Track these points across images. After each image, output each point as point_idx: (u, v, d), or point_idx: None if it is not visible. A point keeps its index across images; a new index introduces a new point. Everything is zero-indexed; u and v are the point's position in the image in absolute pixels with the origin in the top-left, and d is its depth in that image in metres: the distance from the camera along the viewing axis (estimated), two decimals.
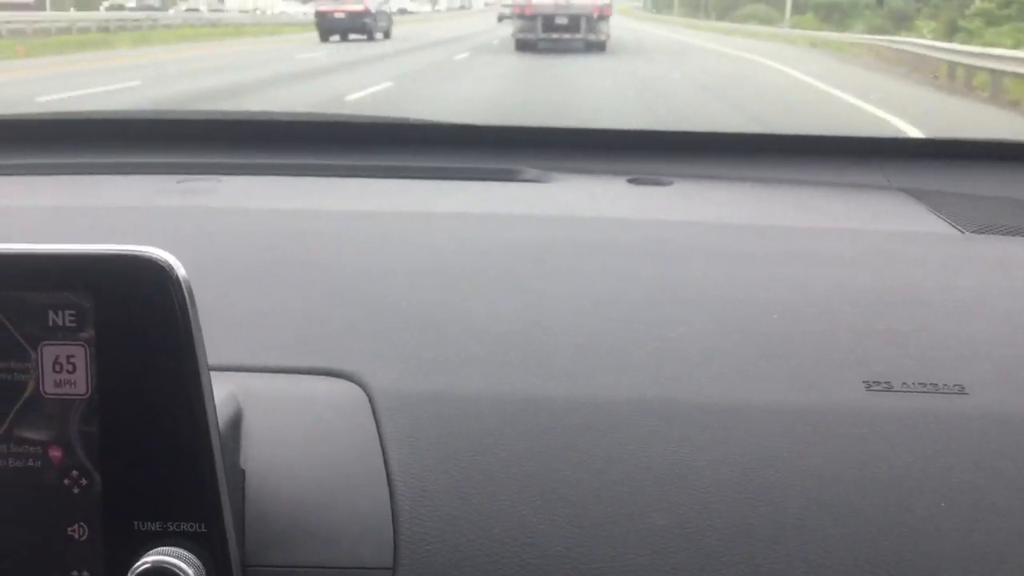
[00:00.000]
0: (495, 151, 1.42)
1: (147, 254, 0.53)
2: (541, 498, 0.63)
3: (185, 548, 0.55)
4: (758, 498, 0.63)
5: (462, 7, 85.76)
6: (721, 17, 51.78)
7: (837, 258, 1.00)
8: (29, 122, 1.55)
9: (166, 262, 0.53)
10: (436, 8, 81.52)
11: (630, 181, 1.32)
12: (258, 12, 54.99)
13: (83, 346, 0.54)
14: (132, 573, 0.54)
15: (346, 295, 0.87)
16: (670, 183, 1.31)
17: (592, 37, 20.76)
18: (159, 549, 0.54)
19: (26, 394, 0.55)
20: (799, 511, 0.62)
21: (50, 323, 0.54)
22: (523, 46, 20.91)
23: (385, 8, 26.82)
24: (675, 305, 0.86)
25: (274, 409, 0.68)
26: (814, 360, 0.76)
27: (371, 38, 24.60)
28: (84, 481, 0.55)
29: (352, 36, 24.49)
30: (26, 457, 0.55)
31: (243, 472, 0.62)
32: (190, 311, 0.54)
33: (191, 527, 0.55)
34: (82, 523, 0.55)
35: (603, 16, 20.86)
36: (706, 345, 0.77)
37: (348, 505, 0.63)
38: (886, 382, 0.72)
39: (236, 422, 0.64)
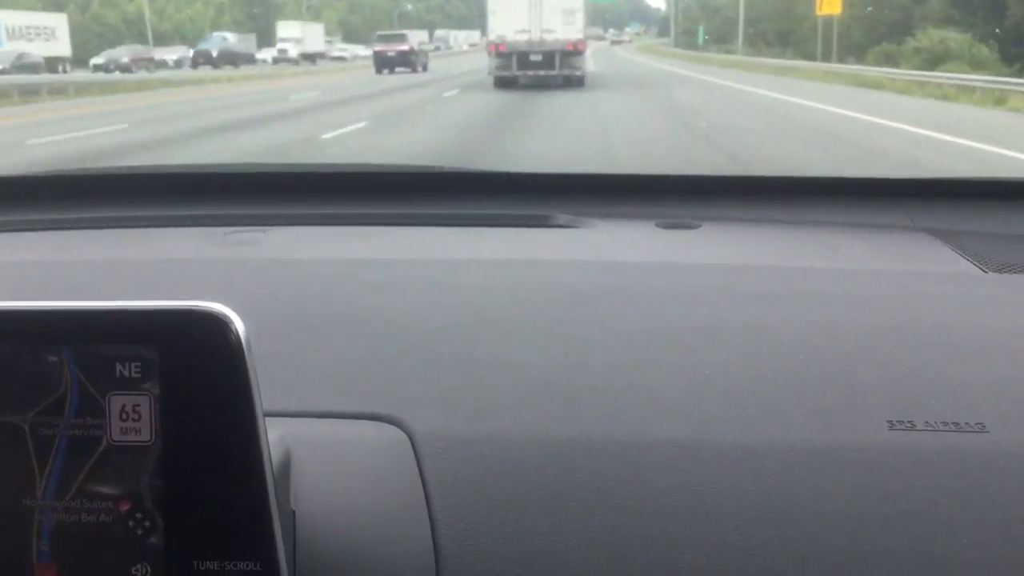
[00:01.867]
0: (526, 197, 1.46)
1: (209, 309, 0.57)
2: (578, 536, 0.65)
3: None
4: (787, 534, 0.65)
5: (437, 48, 76.95)
6: (841, 58, 30.41)
7: (861, 299, 1.03)
8: (81, 178, 1.62)
9: (227, 316, 0.57)
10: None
11: (659, 225, 1.35)
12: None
13: (147, 396, 0.57)
14: None
15: (387, 342, 0.91)
16: (698, 226, 1.34)
17: (567, 73, 21.54)
18: None
19: (100, 448, 0.58)
20: (826, 548, 0.64)
21: (117, 375, 0.58)
22: (502, 83, 21.72)
23: (424, 48, 36.86)
24: (704, 347, 0.89)
25: (321, 452, 0.72)
26: (839, 400, 0.78)
27: (414, 70, 32.66)
28: (147, 523, 0.58)
29: (398, 69, 32.77)
30: (97, 509, 0.58)
31: (293, 513, 0.65)
32: (248, 362, 0.57)
33: (247, 566, 0.58)
34: (145, 563, 0.58)
35: (577, 52, 21.60)
36: (735, 387, 0.80)
37: (393, 544, 0.66)
38: (909, 421, 0.74)
39: (286, 465, 0.67)
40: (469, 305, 1.00)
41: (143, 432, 0.58)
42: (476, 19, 24.75)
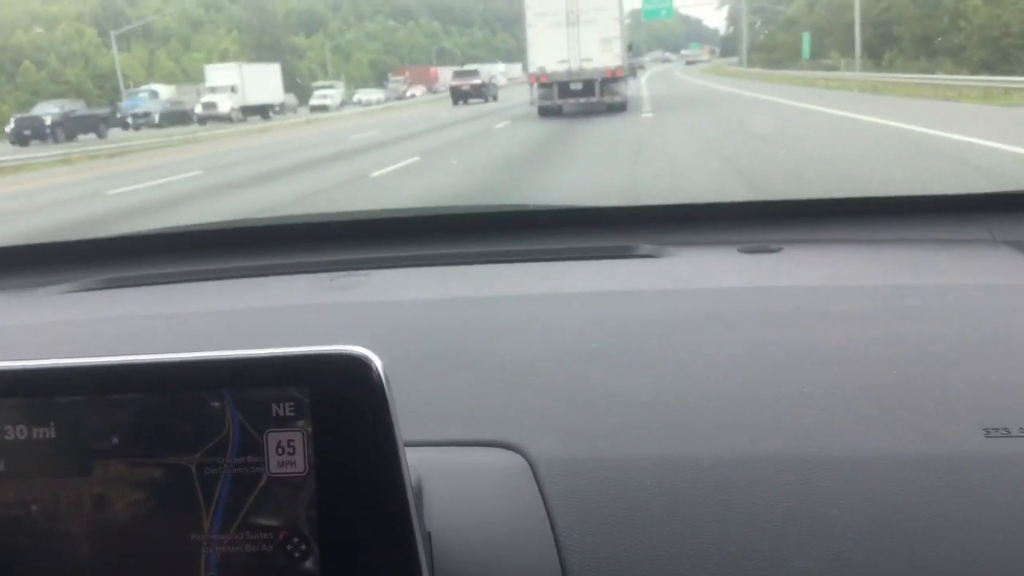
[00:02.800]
0: (609, 230, 1.51)
1: (353, 352, 0.63)
2: (694, 549, 0.69)
3: None
4: (891, 542, 0.68)
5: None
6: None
7: (946, 312, 1.05)
8: (182, 234, 1.71)
9: (368, 358, 0.63)
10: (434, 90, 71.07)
11: (741, 250, 1.38)
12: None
13: (301, 432, 0.63)
14: None
15: (499, 373, 0.96)
16: (779, 249, 1.37)
17: (607, 99, 21.86)
18: None
19: (261, 483, 0.64)
20: (929, 554, 0.67)
21: (273, 414, 0.64)
22: (545, 112, 22.28)
23: (494, 81, 39.95)
24: (798, 366, 0.92)
25: (448, 478, 0.77)
26: (933, 411, 0.81)
27: (486, 101, 37.29)
28: (304, 546, 0.63)
29: (472, 100, 37.68)
30: (259, 540, 0.64)
31: (429, 535, 0.70)
32: (389, 399, 0.63)
33: None
34: None
35: (616, 78, 21.87)
36: (831, 402, 0.83)
37: (521, 562, 0.70)
38: (1004, 428, 0.77)
39: (419, 491, 0.72)
40: (570, 336, 1.05)
41: (298, 464, 0.63)
42: (522, 52, 24.43)
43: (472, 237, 1.54)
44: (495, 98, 35.93)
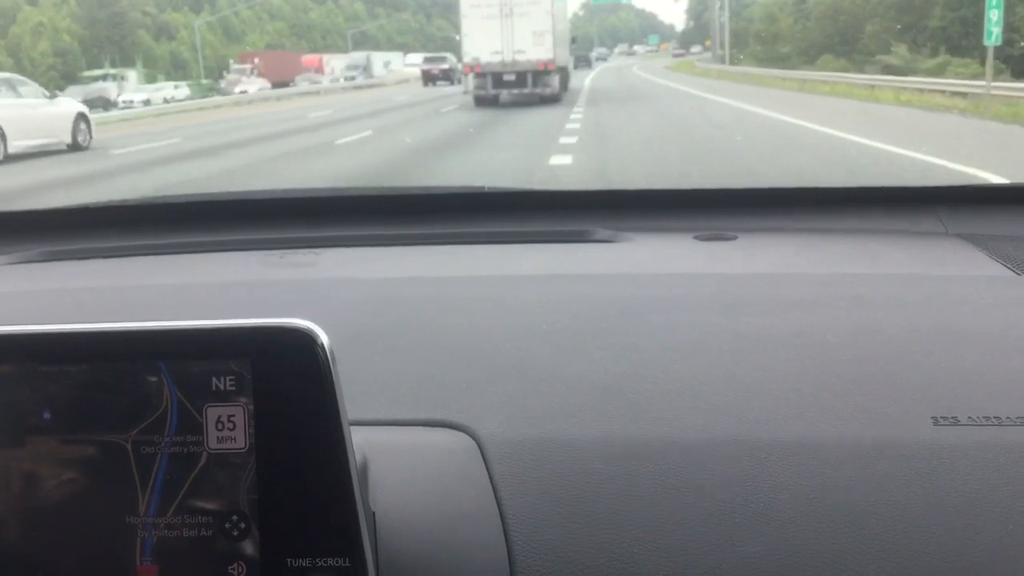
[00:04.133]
0: (565, 214, 1.50)
1: (297, 325, 0.61)
2: (641, 530, 0.69)
3: None
4: (839, 527, 0.68)
5: (352, 78, 53.89)
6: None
7: (899, 302, 1.06)
8: (131, 208, 1.68)
9: (313, 331, 0.61)
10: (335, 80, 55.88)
11: (696, 237, 1.39)
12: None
13: (242, 408, 0.61)
14: None
15: (449, 354, 0.95)
16: (734, 237, 1.38)
17: (539, 91, 22.82)
18: None
19: (200, 464, 0.62)
20: (876, 539, 0.67)
21: (213, 388, 0.62)
22: (481, 102, 23.15)
23: (457, 66, 37.38)
24: (752, 352, 0.92)
25: (394, 458, 0.76)
26: (884, 398, 0.81)
27: (452, 83, 39.25)
28: (243, 524, 0.62)
29: (439, 83, 42.22)
30: (198, 524, 0.62)
31: (374, 514, 0.69)
32: (335, 374, 0.61)
33: (337, 562, 0.61)
34: (240, 562, 0.61)
35: (547, 71, 22.78)
36: (783, 387, 0.83)
37: (467, 541, 0.70)
38: (953, 417, 0.77)
39: (364, 470, 0.71)
40: (523, 318, 1.05)
41: (238, 440, 0.62)
42: (458, 42, 24.16)
43: (426, 218, 1.52)
44: (460, 82, 37.66)
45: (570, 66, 31.07)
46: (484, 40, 22.76)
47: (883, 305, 1.05)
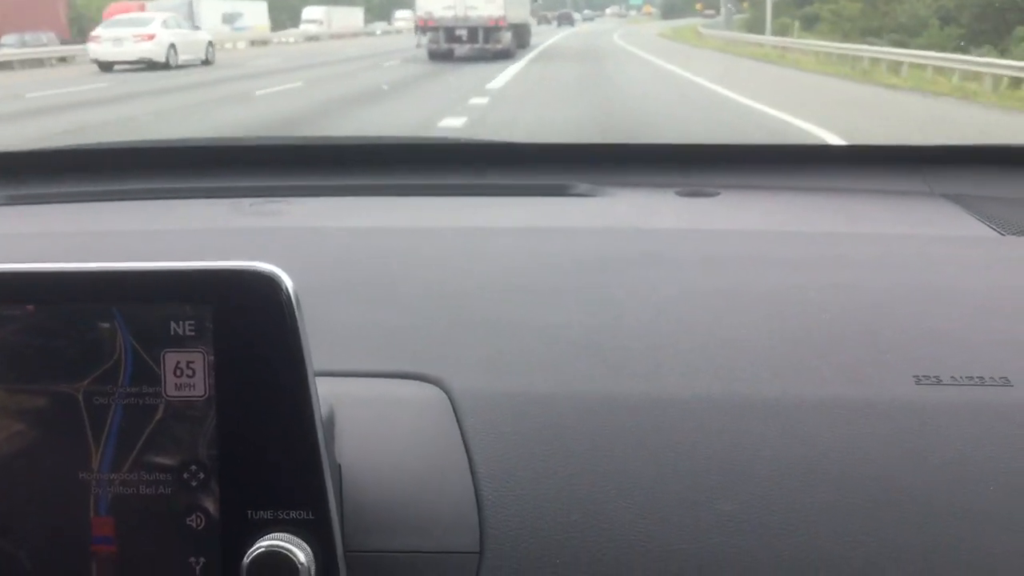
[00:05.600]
0: (545, 167, 1.47)
1: (260, 269, 0.58)
2: (615, 487, 0.67)
3: (295, 534, 0.59)
4: (818, 485, 0.67)
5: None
6: None
7: (882, 261, 1.04)
8: (97, 152, 1.63)
9: (278, 276, 0.58)
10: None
11: (678, 193, 1.36)
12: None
13: (201, 353, 0.59)
14: (247, 558, 0.58)
15: (421, 305, 0.93)
16: (716, 194, 1.36)
17: (491, 47, 23.21)
18: (271, 535, 0.58)
19: (156, 416, 0.59)
20: (856, 497, 0.66)
21: (172, 333, 0.59)
22: (434, 56, 23.46)
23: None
24: (731, 309, 0.90)
25: (363, 410, 0.74)
26: (866, 358, 0.80)
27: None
28: (202, 475, 0.59)
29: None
30: (156, 481, 0.59)
31: (339, 466, 0.67)
32: (299, 320, 0.58)
33: (300, 515, 0.59)
34: (199, 513, 0.59)
35: (499, 27, 23.39)
36: (763, 345, 0.82)
37: (436, 495, 0.68)
38: (935, 376, 0.76)
39: (330, 421, 0.69)
40: (498, 271, 1.02)
41: (197, 387, 0.59)
42: None
43: (402, 168, 1.48)
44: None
45: (531, 24, 31.74)
46: None
47: (866, 264, 1.03)
